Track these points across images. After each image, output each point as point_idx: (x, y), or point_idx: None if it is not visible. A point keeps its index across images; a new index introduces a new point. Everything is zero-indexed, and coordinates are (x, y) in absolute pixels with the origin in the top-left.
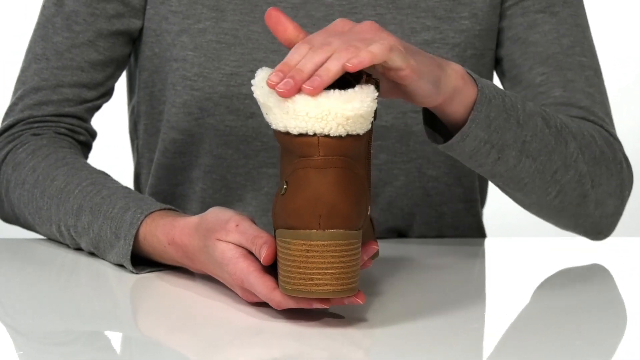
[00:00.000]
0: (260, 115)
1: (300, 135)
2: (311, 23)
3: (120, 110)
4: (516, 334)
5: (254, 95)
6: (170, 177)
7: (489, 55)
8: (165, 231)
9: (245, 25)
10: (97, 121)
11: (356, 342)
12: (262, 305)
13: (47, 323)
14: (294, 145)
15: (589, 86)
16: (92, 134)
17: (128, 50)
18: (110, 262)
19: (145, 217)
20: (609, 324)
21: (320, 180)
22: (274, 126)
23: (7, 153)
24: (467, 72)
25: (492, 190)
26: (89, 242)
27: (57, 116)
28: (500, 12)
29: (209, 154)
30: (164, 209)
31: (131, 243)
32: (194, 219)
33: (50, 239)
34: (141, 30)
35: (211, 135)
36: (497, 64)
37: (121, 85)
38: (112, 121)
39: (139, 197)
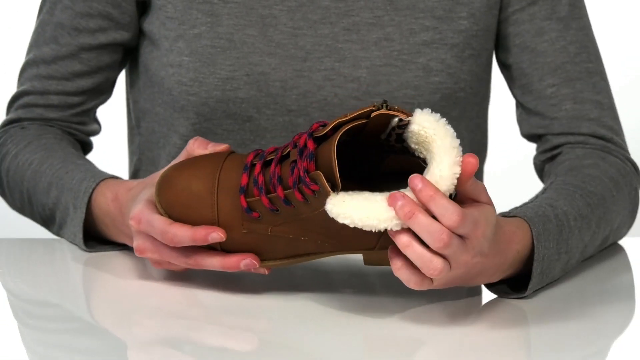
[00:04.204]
0: (257, 118)
1: None
2: (307, 26)
3: (118, 108)
4: (514, 330)
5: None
6: None
7: (485, 55)
8: (113, 188)
9: (240, 29)
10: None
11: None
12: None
13: (48, 321)
14: None
15: (596, 93)
16: (88, 133)
17: (119, 56)
18: (68, 239)
19: (98, 183)
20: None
21: None
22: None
23: None
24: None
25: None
26: (60, 218)
27: (44, 120)
28: (505, 16)
29: None
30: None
31: (84, 210)
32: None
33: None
34: (141, 35)
35: (209, 139)
36: (505, 70)
37: (119, 81)
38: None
39: (100, 171)
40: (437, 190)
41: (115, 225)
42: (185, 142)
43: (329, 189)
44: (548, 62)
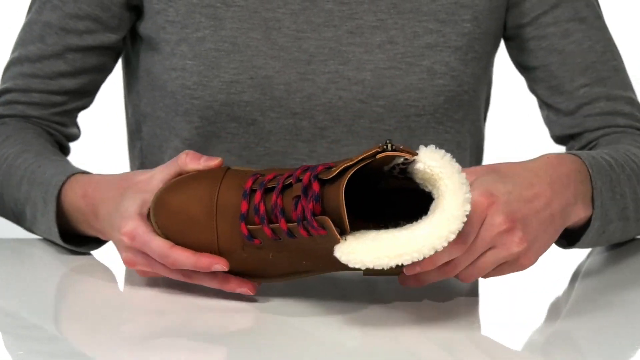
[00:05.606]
0: (262, 121)
1: None
2: (311, 29)
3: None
4: (516, 331)
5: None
6: None
7: (486, 58)
8: (82, 184)
9: (244, 32)
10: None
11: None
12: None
13: (46, 323)
14: None
15: (625, 90)
16: (67, 136)
17: (107, 59)
18: (43, 235)
19: (68, 177)
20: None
21: None
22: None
23: None
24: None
25: None
26: (31, 214)
27: (25, 117)
28: (527, 21)
29: None
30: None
31: (54, 204)
32: (115, 174)
33: (15, 224)
34: (138, 39)
35: (214, 143)
36: (528, 72)
37: (116, 85)
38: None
39: (73, 167)
40: (428, 262)
41: (86, 221)
42: (188, 145)
43: (338, 237)
44: (578, 62)
